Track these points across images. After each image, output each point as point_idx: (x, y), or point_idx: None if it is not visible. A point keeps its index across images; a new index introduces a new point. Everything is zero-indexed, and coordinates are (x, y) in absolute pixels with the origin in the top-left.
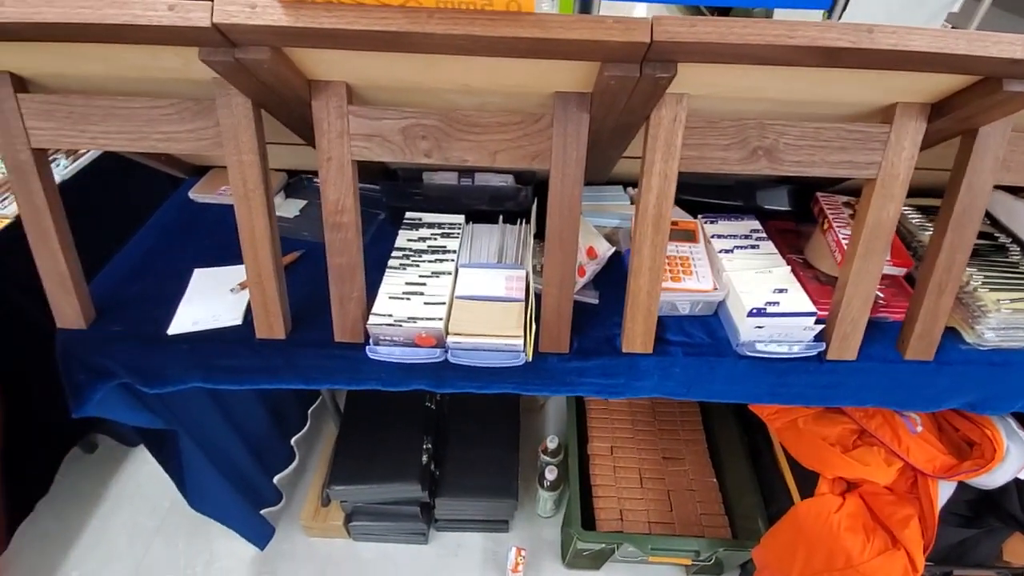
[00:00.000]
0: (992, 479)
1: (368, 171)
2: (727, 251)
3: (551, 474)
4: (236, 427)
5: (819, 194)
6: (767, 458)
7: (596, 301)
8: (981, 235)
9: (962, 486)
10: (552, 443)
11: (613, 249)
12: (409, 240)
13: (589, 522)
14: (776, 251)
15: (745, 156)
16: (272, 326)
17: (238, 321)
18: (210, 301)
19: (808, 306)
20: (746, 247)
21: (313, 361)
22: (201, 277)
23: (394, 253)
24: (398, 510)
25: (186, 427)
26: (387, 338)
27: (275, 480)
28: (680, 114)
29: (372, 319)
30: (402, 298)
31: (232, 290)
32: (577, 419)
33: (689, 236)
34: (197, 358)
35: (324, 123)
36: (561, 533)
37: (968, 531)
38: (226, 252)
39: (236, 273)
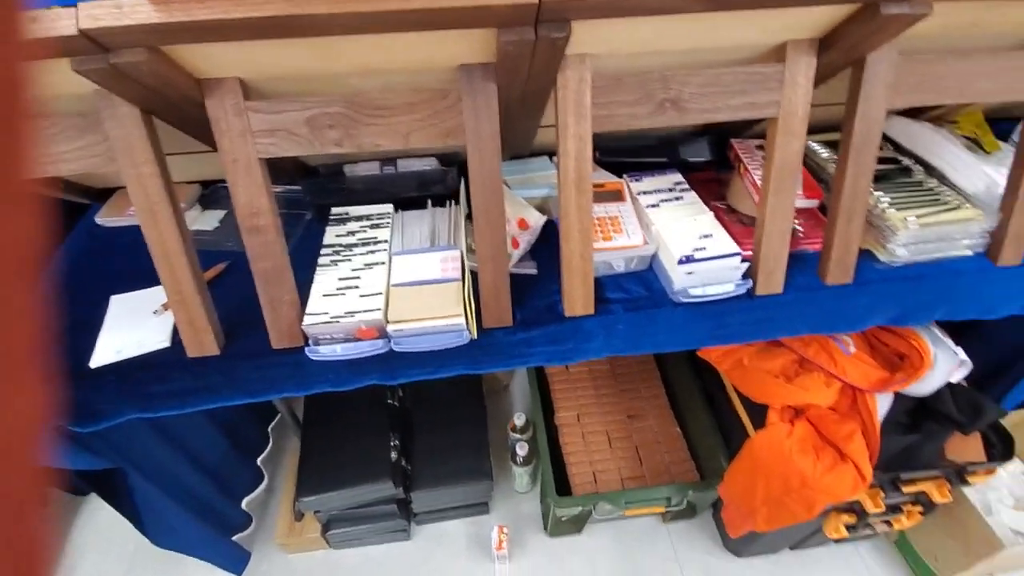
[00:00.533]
0: (924, 386)
1: (286, 171)
2: (653, 206)
3: (522, 450)
4: (190, 455)
5: (733, 140)
6: (721, 400)
7: (535, 271)
8: (885, 160)
9: (899, 397)
10: (519, 420)
11: (545, 218)
12: (338, 236)
13: (565, 489)
14: (699, 200)
15: (653, 109)
16: (203, 343)
17: (166, 343)
18: (132, 327)
19: (732, 247)
20: (671, 200)
21: (253, 373)
22: (119, 303)
23: (323, 251)
24: (375, 511)
25: (133, 463)
26: (327, 336)
27: (245, 503)
28: (585, 74)
29: (307, 319)
30: (337, 294)
31: (155, 312)
32: (541, 393)
33: (616, 196)
34: (128, 388)
35: (222, 123)
36: (540, 504)
37: (910, 437)
38: (143, 275)
39: (156, 295)
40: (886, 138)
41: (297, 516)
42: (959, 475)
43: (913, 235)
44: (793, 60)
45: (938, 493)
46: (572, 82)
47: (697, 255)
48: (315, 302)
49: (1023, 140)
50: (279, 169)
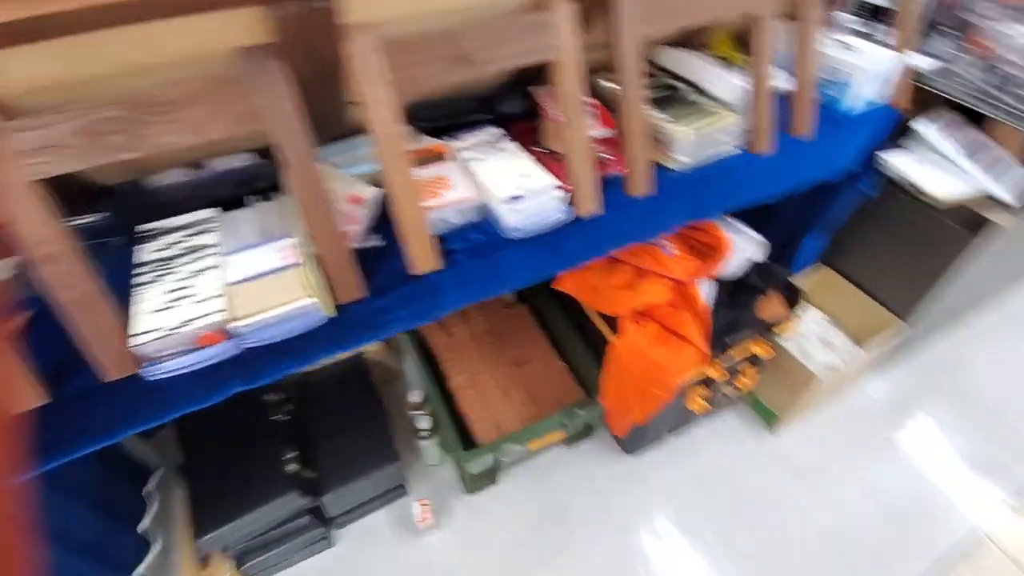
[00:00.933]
0: (731, 268)
1: (80, 198)
2: (477, 159)
3: (425, 423)
4: (56, 542)
5: (531, 88)
6: (588, 324)
7: (383, 243)
8: (663, 87)
9: (720, 282)
10: (415, 397)
11: (382, 191)
12: (156, 250)
13: (473, 447)
14: (518, 147)
15: (448, 67)
16: (22, 395)
17: None
18: None
19: (548, 180)
20: (492, 151)
21: (92, 414)
22: None
23: (139, 270)
24: (288, 529)
25: None
26: (166, 353)
27: (137, 574)
28: (372, 42)
29: (135, 340)
30: (168, 307)
31: None
32: (431, 365)
33: (439, 157)
34: None
35: None
36: (456, 469)
37: (732, 311)
38: None
39: None
40: (663, 69)
41: (201, 559)
42: (769, 330)
43: (691, 144)
44: (555, 7)
45: (761, 350)
46: (362, 51)
47: (520, 193)
48: (143, 320)
49: (754, 54)
50: (72, 197)
